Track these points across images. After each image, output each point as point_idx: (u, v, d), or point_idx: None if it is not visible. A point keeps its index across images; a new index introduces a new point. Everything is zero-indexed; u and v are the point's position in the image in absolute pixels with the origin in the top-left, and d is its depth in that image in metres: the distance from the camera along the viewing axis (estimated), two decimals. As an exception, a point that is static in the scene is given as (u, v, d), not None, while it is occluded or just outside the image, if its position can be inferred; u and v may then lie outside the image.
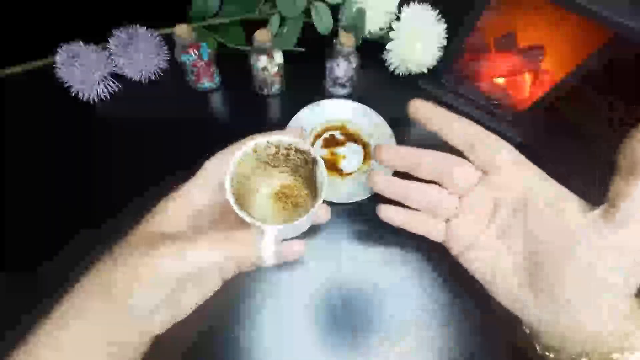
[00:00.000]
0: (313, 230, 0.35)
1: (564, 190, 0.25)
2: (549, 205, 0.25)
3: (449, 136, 0.28)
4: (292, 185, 0.32)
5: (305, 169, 0.30)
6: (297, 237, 0.28)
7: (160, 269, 0.21)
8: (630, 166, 0.21)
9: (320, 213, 0.30)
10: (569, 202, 0.24)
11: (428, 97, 0.45)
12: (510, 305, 0.26)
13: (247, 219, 0.24)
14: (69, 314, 0.21)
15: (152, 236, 0.23)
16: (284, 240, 0.27)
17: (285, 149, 0.28)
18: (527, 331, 0.27)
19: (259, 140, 0.27)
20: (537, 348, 0.26)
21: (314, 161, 0.27)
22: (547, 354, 0.25)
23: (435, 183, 0.29)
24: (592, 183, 0.41)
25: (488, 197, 0.27)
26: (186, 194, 0.25)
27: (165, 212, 0.24)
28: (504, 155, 0.27)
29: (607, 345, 0.23)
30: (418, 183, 0.30)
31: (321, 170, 0.27)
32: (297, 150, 0.28)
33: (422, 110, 0.29)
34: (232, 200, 0.24)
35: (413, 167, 0.29)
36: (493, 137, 0.27)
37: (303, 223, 0.26)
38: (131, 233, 0.24)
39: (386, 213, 0.31)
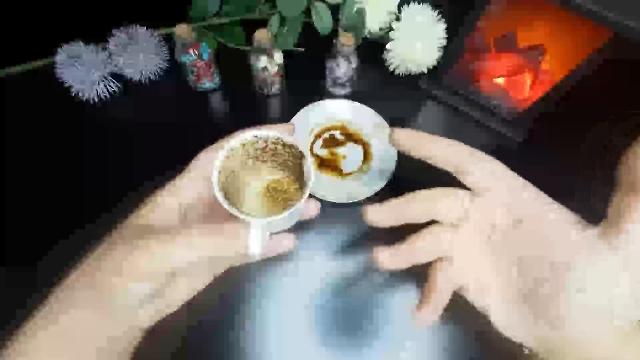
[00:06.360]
0: (313, 230, 0.35)
1: (558, 207, 0.24)
2: (544, 223, 0.23)
3: (432, 160, 0.27)
4: (281, 180, 0.32)
5: (293, 164, 0.30)
6: (288, 231, 0.28)
7: (146, 263, 0.21)
8: (632, 183, 0.20)
9: (310, 207, 0.30)
10: (564, 220, 0.23)
11: (428, 97, 0.46)
12: (502, 323, 0.25)
13: (234, 212, 0.24)
14: (57, 308, 0.21)
15: (140, 230, 0.23)
16: (274, 233, 0.27)
17: (273, 143, 0.28)
18: (527, 351, 0.25)
19: (247, 134, 0.27)
20: None
21: (302, 155, 0.27)
22: None
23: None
24: (592, 182, 0.41)
25: (483, 221, 0.26)
26: (175, 188, 0.25)
27: (154, 206, 0.24)
28: (490, 175, 0.25)
29: None
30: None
31: (308, 164, 0.27)
32: (284, 145, 0.28)
33: (403, 139, 0.27)
34: (219, 194, 0.24)
35: (405, 217, 0.27)
36: (477, 156, 0.26)
37: (289, 217, 0.26)
38: (119, 227, 0.24)
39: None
